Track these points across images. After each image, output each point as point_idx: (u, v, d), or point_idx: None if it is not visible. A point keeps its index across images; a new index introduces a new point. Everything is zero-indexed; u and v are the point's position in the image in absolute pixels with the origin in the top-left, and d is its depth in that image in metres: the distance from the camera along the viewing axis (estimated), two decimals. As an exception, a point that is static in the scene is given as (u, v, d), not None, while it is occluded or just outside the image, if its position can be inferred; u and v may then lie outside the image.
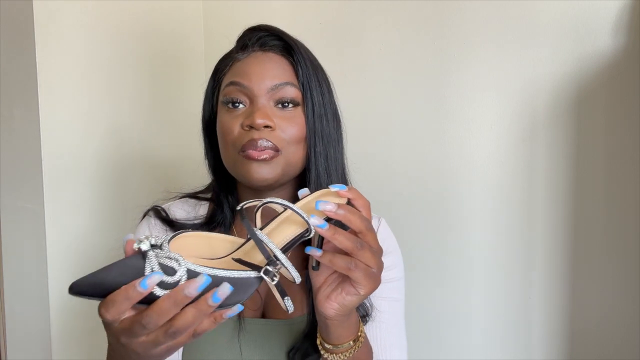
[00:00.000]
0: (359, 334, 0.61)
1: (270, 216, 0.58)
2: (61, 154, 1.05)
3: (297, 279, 0.53)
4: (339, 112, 0.77)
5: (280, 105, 0.69)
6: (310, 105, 0.70)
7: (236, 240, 0.57)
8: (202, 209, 0.79)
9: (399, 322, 0.76)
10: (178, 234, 0.54)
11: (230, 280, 0.50)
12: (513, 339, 1.06)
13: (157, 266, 0.48)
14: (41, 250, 1.05)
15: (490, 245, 1.07)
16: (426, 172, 1.11)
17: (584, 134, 0.97)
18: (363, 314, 0.72)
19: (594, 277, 0.97)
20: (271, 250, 0.52)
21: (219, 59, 0.76)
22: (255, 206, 0.58)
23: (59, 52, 1.04)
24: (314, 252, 0.55)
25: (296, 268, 0.71)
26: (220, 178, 0.77)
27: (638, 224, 0.93)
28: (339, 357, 0.60)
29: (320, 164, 0.71)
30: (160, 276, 0.47)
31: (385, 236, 0.79)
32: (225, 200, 0.76)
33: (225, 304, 0.50)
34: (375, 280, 0.55)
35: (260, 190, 0.72)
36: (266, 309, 0.73)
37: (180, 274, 0.48)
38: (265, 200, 0.56)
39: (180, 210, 0.78)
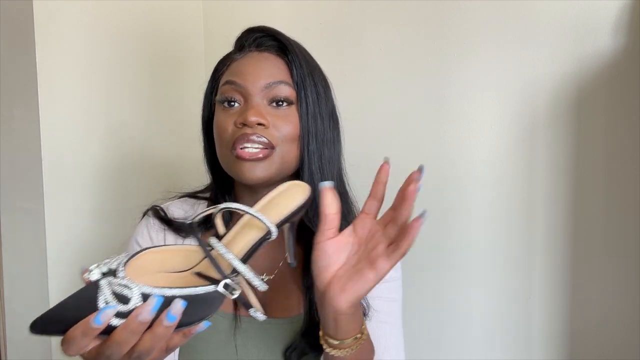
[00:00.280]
0: (363, 326, 0.61)
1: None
2: (61, 154, 1.06)
3: (262, 287, 0.52)
4: (337, 112, 0.77)
5: (274, 104, 0.70)
6: (305, 105, 0.71)
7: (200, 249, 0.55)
8: (200, 208, 0.79)
9: (396, 323, 0.77)
10: (139, 252, 0.53)
11: (187, 297, 0.48)
12: (513, 339, 1.06)
13: (110, 296, 0.48)
14: (41, 250, 1.05)
15: (490, 245, 1.07)
16: (426, 172, 1.11)
17: (584, 134, 0.97)
18: (361, 311, 0.72)
19: (594, 277, 0.97)
20: (230, 262, 0.51)
21: (219, 59, 0.77)
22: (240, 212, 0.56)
23: (59, 52, 1.04)
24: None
25: (294, 267, 0.71)
26: (218, 177, 0.78)
27: (638, 224, 0.93)
28: (346, 351, 0.59)
29: (313, 163, 0.72)
30: (114, 309, 0.46)
31: None
32: (223, 199, 0.77)
33: (191, 320, 0.49)
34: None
35: (256, 188, 0.73)
36: (263, 308, 0.73)
37: (135, 300, 0.47)
38: (220, 207, 0.55)
39: (179, 210, 0.79)
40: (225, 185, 0.77)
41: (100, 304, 0.47)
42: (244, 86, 0.69)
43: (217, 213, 0.57)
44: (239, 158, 0.67)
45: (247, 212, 0.53)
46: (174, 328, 0.48)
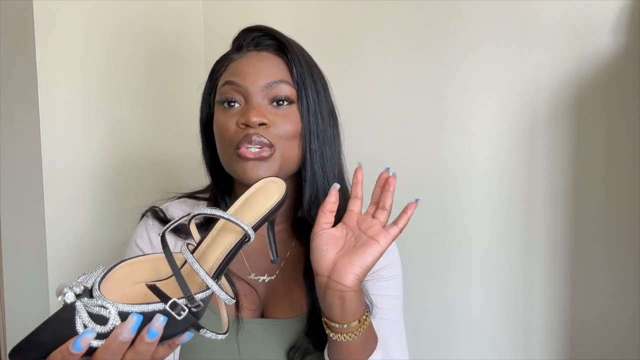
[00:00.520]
0: (366, 313, 0.65)
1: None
2: (61, 154, 1.06)
3: (228, 301, 0.52)
4: (336, 111, 0.77)
5: (275, 104, 0.70)
6: (305, 103, 0.70)
7: (180, 257, 0.54)
8: (200, 209, 0.78)
9: (399, 320, 0.77)
10: (113, 267, 0.52)
11: (164, 312, 0.48)
12: (513, 339, 1.06)
13: (87, 318, 0.47)
14: (41, 250, 1.05)
15: (490, 245, 1.06)
16: (426, 171, 1.11)
17: (584, 134, 0.97)
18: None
19: (594, 277, 0.97)
20: (199, 275, 0.49)
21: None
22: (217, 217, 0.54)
23: (59, 52, 1.04)
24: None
25: (296, 267, 0.72)
26: (218, 177, 0.77)
27: (638, 224, 0.93)
28: (350, 336, 0.62)
29: (315, 162, 0.72)
30: (93, 333, 0.46)
31: None
32: (223, 200, 0.76)
33: (174, 332, 0.48)
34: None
35: None
36: (265, 309, 0.73)
37: (113, 321, 0.47)
38: (193, 214, 0.54)
39: (178, 211, 0.78)
40: (225, 185, 0.77)
41: (78, 327, 0.47)
42: (244, 86, 0.69)
43: (190, 220, 0.55)
44: (242, 157, 0.67)
45: (222, 217, 0.52)
46: (157, 342, 0.48)
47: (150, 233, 0.76)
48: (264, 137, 0.67)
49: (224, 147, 0.71)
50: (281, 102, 0.70)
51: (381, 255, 0.61)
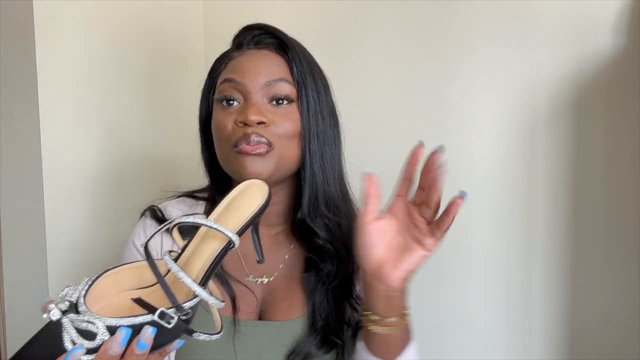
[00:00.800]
0: (406, 310, 0.65)
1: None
2: (61, 154, 1.06)
3: (218, 305, 0.52)
4: (337, 111, 0.76)
5: (274, 102, 0.69)
6: (305, 103, 0.70)
7: (164, 264, 0.54)
8: (199, 209, 0.78)
9: None
10: (96, 279, 0.52)
11: (153, 322, 0.48)
12: (513, 339, 1.06)
13: (75, 334, 0.47)
14: (41, 250, 1.05)
15: (490, 245, 1.06)
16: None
17: (584, 134, 0.97)
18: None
19: (594, 277, 0.97)
20: (185, 283, 0.49)
21: (217, 59, 0.76)
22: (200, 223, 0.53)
23: (59, 52, 1.04)
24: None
25: (295, 269, 0.71)
26: (216, 177, 0.77)
27: (638, 224, 0.92)
28: (390, 329, 0.63)
29: (315, 163, 0.71)
30: (82, 350, 0.46)
31: None
32: (221, 199, 0.76)
33: (164, 341, 0.48)
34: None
35: None
36: (263, 311, 0.73)
37: (101, 335, 0.47)
38: (175, 222, 0.53)
39: (176, 210, 0.78)
40: (223, 185, 0.76)
41: (67, 344, 0.46)
42: (243, 84, 0.68)
43: (173, 228, 0.55)
44: (241, 152, 0.67)
45: (204, 225, 0.51)
46: (148, 353, 0.48)
47: (147, 232, 0.75)
48: (263, 137, 0.67)
49: (221, 145, 0.70)
50: (281, 101, 0.69)
51: (427, 259, 0.60)
